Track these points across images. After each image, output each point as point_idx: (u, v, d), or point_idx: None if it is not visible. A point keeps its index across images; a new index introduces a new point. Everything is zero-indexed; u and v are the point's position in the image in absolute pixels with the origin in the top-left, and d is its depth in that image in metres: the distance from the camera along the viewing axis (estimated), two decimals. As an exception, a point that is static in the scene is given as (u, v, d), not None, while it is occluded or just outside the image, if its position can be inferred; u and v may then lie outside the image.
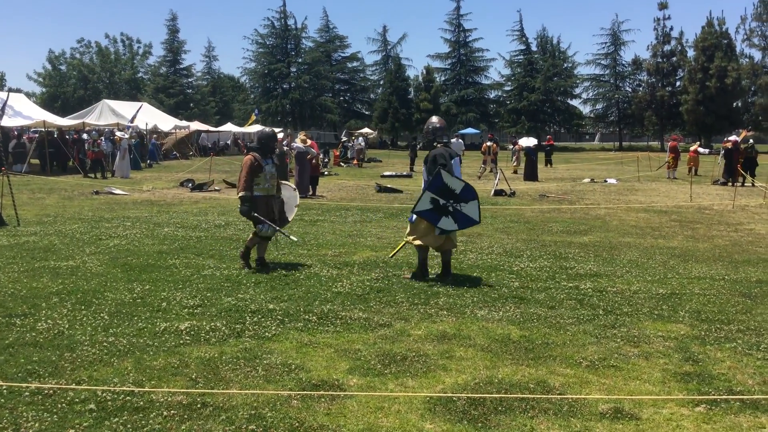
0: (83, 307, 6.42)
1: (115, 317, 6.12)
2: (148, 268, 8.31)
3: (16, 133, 31.59)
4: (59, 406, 4.17)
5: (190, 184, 20.68)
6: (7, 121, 26.14)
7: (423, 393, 4.47)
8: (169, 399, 4.29)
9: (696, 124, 64.93)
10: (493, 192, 19.16)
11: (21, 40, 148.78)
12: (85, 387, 4.45)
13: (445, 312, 6.44)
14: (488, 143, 29.36)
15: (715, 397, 4.43)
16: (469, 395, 4.41)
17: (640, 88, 75.68)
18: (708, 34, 64.71)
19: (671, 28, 72.74)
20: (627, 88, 78.98)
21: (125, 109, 37.68)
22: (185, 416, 4.06)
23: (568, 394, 4.47)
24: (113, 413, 4.09)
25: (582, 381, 4.74)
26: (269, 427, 3.93)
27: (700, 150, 29.87)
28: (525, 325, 6.06)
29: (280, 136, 20.82)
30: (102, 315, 6.18)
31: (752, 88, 67.02)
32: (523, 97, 76.65)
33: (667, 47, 72.31)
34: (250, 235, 8.47)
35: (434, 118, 8.44)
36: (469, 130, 70.55)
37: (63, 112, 49.38)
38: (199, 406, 4.20)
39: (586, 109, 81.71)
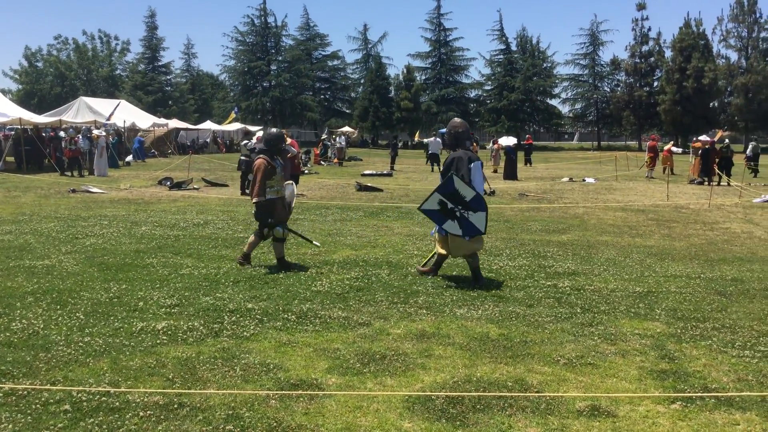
0: (59, 307, 6.35)
1: (91, 317, 6.06)
2: (124, 267, 8.23)
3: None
4: (33, 407, 4.12)
5: (169, 183, 20.51)
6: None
7: (402, 392, 4.47)
8: (146, 399, 4.25)
9: (673, 124, 65.73)
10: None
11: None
12: (60, 387, 4.40)
13: (424, 311, 6.45)
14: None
15: (690, 394, 4.48)
16: (448, 394, 4.42)
17: (619, 88, 76.45)
18: (685, 34, 65.54)
19: (649, 29, 73.77)
20: (605, 88, 79.77)
21: (103, 106, 37.30)
22: (162, 417, 4.02)
23: (545, 392, 4.49)
24: (88, 414, 4.05)
25: (559, 379, 4.77)
26: (247, 428, 3.91)
27: (674, 149, 30.26)
28: (504, 323, 6.08)
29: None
30: (78, 315, 6.11)
31: (728, 89, 68.04)
32: (503, 97, 77.04)
33: (645, 48, 73.16)
34: (251, 238, 8.39)
35: (457, 121, 8.22)
36: (449, 129, 70.57)
37: (39, 110, 48.84)
38: (175, 406, 4.17)
39: (565, 109, 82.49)
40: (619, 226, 12.74)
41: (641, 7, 72.62)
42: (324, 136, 43.27)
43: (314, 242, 8.89)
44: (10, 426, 3.87)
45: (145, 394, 4.33)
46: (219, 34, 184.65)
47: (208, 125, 55.21)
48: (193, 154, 34.83)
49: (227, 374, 4.73)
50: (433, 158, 31.63)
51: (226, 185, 21.16)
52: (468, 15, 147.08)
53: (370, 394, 4.40)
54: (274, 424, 3.96)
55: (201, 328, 5.76)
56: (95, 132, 27.50)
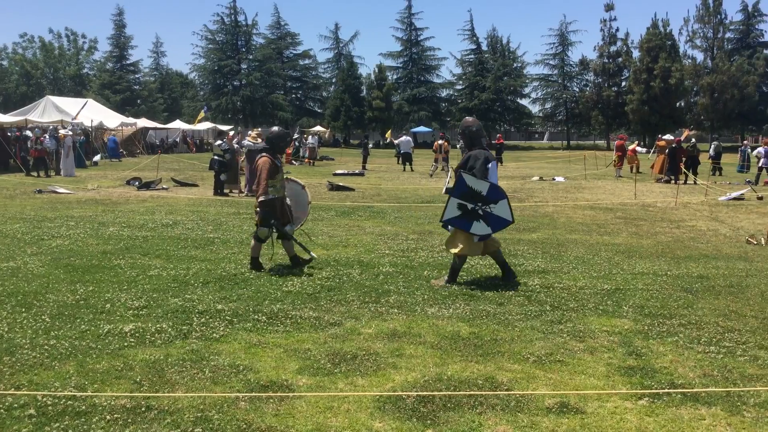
0: (23, 310, 6.23)
1: (57, 319, 5.95)
2: (91, 268, 8.11)
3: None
4: (-4, 412, 4.04)
5: (137, 183, 20.27)
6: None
7: (373, 392, 4.46)
8: (112, 403, 4.19)
9: (641, 124, 66.64)
10: (444, 190, 19.23)
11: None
12: (25, 392, 4.32)
13: (395, 310, 6.46)
14: (440, 141, 29.65)
15: (657, 390, 4.55)
16: (419, 393, 4.42)
17: (587, 88, 77.34)
18: (652, 35, 66.50)
19: (617, 29, 74.90)
20: (574, 88, 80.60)
21: (70, 105, 36.66)
22: (129, 420, 3.97)
23: (515, 390, 4.52)
24: (54, 418, 3.98)
25: (529, 376, 4.80)
26: (216, 430, 3.88)
27: (638, 149, 30.81)
28: (474, 321, 6.11)
29: (232, 133, 20.58)
30: (43, 317, 6.00)
31: (695, 89, 69.26)
32: (474, 96, 77.44)
33: (613, 48, 74.05)
34: (252, 243, 8.29)
35: (469, 120, 7.96)
36: (421, 129, 71.01)
37: (4, 109, 47.90)
38: (143, 409, 4.11)
39: (535, 109, 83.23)
40: (588, 225, 12.89)
41: (609, 7, 73.54)
42: (296, 136, 43.09)
43: (312, 254, 8.63)
44: (-28, 432, 3.79)
45: (111, 397, 4.27)
46: (188, 32, 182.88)
47: (178, 124, 54.69)
48: (163, 153, 34.44)
49: (196, 376, 4.68)
50: (405, 158, 31.69)
51: (196, 185, 20.97)
52: (439, 15, 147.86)
53: (340, 395, 4.39)
54: (244, 426, 3.93)
55: (169, 329, 5.69)
56: (62, 131, 27.05)
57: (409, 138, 33.46)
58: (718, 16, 70.22)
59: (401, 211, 14.74)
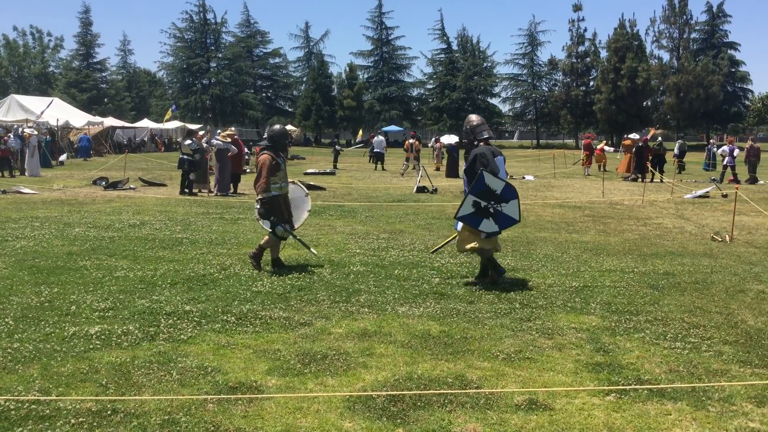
0: (-15, 313, 6.09)
1: (21, 322, 5.83)
2: (57, 270, 7.96)
3: None
4: (-44, 418, 3.94)
5: (104, 183, 19.95)
6: None
7: (343, 392, 4.45)
8: (77, 406, 4.12)
9: (608, 123, 67.60)
10: (415, 189, 19.34)
11: None
12: (-14, 397, 4.22)
13: (366, 309, 6.44)
14: (411, 141, 29.73)
15: (624, 386, 4.60)
16: (389, 392, 4.42)
17: (556, 88, 78.19)
18: (620, 35, 67.47)
19: (585, 30, 75.75)
20: (544, 88, 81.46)
21: (35, 104, 36.02)
22: (94, 424, 3.90)
23: (484, 388, 4.54)
24: (17, 423, 3.89)
25: (498, 374, 4.83)
26: (184, 432, 3.83)
27: (606, 148, 31.29)
28: (445, 320, 6.13)
29: (201, 133, 20.37)
30: (6, 320, 5.87)
31: (661, 88, 70.45)
32: (444, 95, 77.79)
33: (581, 48, 74.99)
34: (266, 237, 8.22)
35: (472, 117, 7.99)
36: (392, 128, 71.10)
37: (-34, 108, 46.71)
38: (109, 412, 4.05)
39: (505, 108, 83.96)
40: (557, 223, 13.01)
41: (577, 8, 74.43)
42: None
43: (312, 249, 8.53)
44: (-69, 439, 3.69)
45: (76, 401, 4.19)
46: (156, 30, 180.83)
47: (146, 123, 54.02)
48: (130, 152, 33.99)
49: (163, 379, 4.62)
50: (377, 157, 31.75)
51: (164, 185, 20.72)
52: (409, 14, 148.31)
53: (310, 395, 4.37)
54: (212, 428, 3.88)
55: (136, 331, 5.61)
56: (27, 131, 26.52)
57: (382, 138, 33.53)
58: (684, 17, 71.55)
59: (372, 210, 14.73)
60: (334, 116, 72.74)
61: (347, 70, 75.77)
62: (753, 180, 24.61)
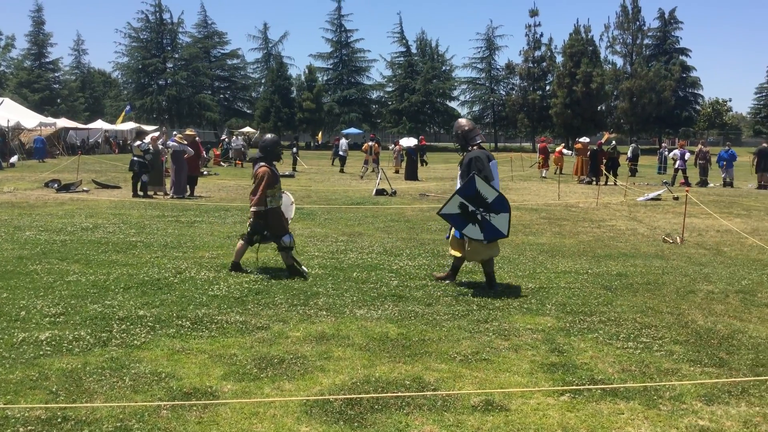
0: (-72, 320, 5.88)
1: (-34, 329, 5.64)
2: (5, 274, 7.73)
3: None
4: None
5: (56, 185, 19.48)
6: None
7: (299, 396, 4.42)
8: (26, 414, 4.00)
9: (564, 126, 68.69)
10: (374, 192, 19.36)
11: None
12: (-72, 407, 4.07)
13: (324, 312, 6.42)
14: (370, 143, 29.77)
15: (578, 386, 4.67)
16: (346, 395, 4.40)
17: (513, 92, 79.21)
18: (575, 41, 68.63)
19: (541, 35, 76.77)
20: (501, 92, 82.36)
21: (-16, 104, 34.98)
22: (43, 433, 3.80)
23: (442, 389, 4.56)
24: (-40, 434, 3.77)
25: (456, 375, 4.85)
26: (136, 440, 3.75)
27: (565, 151, 31.87)
28: (403, 322, 6.14)
29: (156, 134, 20.05)
30: (-50, 327, 5.68)
31: (615, 93, 71.88)
32: (404, 98, 78.06)
33: (537, 53, 76.09)
34: (238, 245, 8.14)
35: (462, 121, 7.89)
36: (352, 130, 71.00)
37: None
38: (59, 420, 3.94)
39: (463, 111, 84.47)
40: (514, 225, 13.12)
41: (534, 13, 75.50)
42: (224, 137, 42.34)
43: (303, 268, 8.16)
44: None
45: (25, 408, 4.07)
46: (111, 29, 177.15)
47: (100, 124, 52.93)
48: (83, 154, 33.26)
49: (116, 385, 4.52)
50: (341, 160, 31.98)
51: (119, 187, 20.32)
52: (369, 17, 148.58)
53: (266, 400, 4.32)
54: (166, 435, 3.82)
55: (88, 337, 5.48)
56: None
57: (345, 140, 33.68)
58: (637, 23, 73.20)
59: (331, 212, 14.69)
60: (293, 118, 72.34)
61: (306, 72, 75.44)
62: (703, 183, 25.31)
